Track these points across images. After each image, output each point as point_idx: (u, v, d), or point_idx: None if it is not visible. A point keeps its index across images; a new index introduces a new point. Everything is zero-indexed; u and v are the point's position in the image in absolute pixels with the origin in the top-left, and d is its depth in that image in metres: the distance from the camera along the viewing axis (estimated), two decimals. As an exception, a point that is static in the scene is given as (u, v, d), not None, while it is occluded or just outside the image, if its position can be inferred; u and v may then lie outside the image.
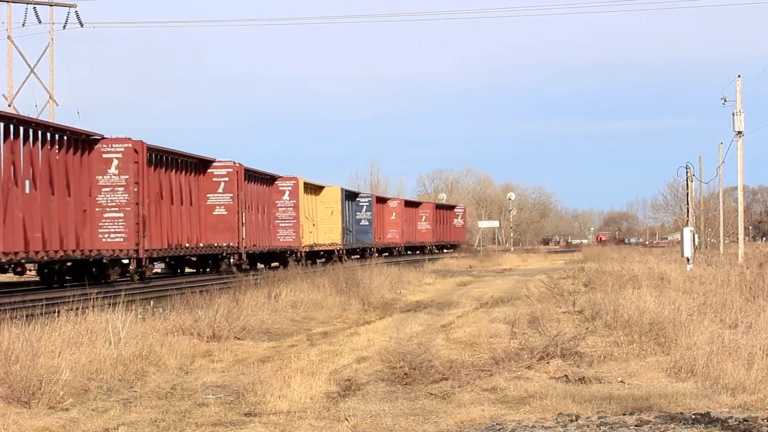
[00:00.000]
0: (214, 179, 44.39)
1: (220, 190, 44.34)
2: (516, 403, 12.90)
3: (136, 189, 34.99)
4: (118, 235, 34.62)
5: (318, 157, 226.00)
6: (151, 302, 23.17)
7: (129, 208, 34.76)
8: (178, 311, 21.61)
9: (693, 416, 11.51)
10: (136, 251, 35.21)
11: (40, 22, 62.33)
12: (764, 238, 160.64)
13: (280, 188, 54.80)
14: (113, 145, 34.80)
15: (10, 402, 12.73)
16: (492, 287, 38.12)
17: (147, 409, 12.82)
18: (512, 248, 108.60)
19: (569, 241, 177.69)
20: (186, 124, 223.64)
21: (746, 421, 11.20)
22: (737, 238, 56.82)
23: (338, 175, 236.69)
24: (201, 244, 42.77)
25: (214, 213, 44.28)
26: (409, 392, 14.06)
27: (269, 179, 53.58)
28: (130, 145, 35.04)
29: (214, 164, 44.47)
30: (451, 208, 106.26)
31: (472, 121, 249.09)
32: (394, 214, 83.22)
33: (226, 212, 44.37)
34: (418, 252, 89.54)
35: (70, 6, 63.36)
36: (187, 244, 41.10)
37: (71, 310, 18.17)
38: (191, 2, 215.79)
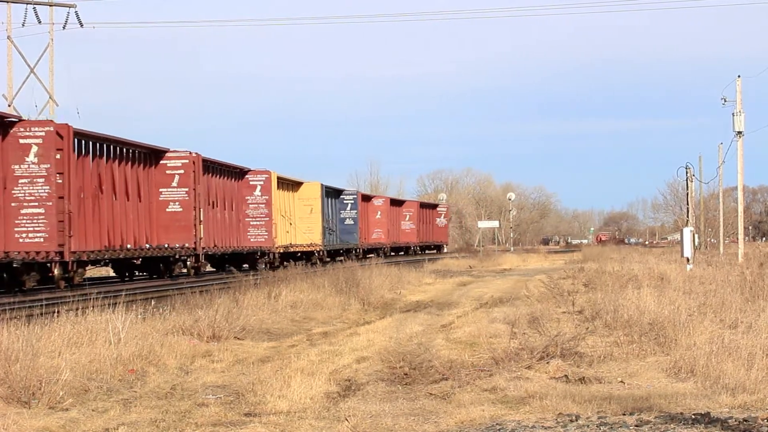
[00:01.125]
0: (167, 172, 39.31)
1: (174, 183, 39.33)
2: (516, 403, 12.89)
3: (60, 180, 29.96)
4: (38, 234, 29.56)
5: (318, 157, 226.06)
6: (152, 302, 23.16)
7: (50, 203, 29.69)
8: (178, 311, 21.61)
9: (693, 416, 11.50)
10: (60, 254, 29.74)
11: (40, 22, 62.41)
12: (764, 238, 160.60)
13: (251, 182, 49.81)
14: (32, 129, 30.08)
15: (10, 402, 12.73)
16: (492, 287, 38.11)
17: (147, 409, 12.82)
18: (512, 248, 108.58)
19: (569, 241, 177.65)
20: (185, 124, 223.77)
21: (746, 421, 11.20)
22: (737, 238, 56.81)
23: (338, 175, 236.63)
24: (146, 245, 37.39)
25: (167, 210, 39.27)
26: (409, 392, 14.06)
27: (238, 173, 48.93)
28: (51, 128, 30.23)
29: (168, 155, 39.45)
30: (434, 207, 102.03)
31: (472, 121, 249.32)
32: (379, 212, 78.81)
33: (180, 209, 39.28)
34: (402, 253, 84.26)
35: (70, 6, 63.40)
36: (129, 245, 35.62)
37: (71, 310, 18.17)
38: (191, 2, 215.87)
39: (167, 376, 15.47)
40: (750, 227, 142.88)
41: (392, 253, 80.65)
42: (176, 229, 39.23)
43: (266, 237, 50.13)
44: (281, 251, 52.96)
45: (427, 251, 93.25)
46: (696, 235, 57.84)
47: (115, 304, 18.85)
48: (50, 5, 63.10)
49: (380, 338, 19.90)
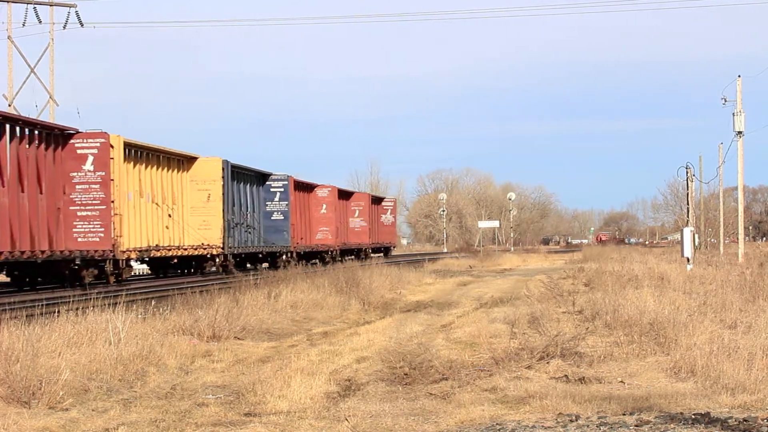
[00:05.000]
0: None
1: None
2: (516, 403, 12.89)
3: None
4: None
5: (318, 157, 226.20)
6: (152, 302, 23.17)
7: None
8: (178, 311, 21.60)
9: (693, 416, 11.50)
10: None
11: (40, 22, 62.46)
12: (764, 238, 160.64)
13: (79, 151, 33.25)
14: None
15: (10, 402, 12.73)
16: (492, 287, 38.09)
17: (147, 409, 12.82)
18: (512, 248, 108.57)
19: (569, 241, 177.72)
20: (185, 124, 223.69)
21: (746, 421, 11.20)
22: (737, 238, 56.82)
23: (338, 176, 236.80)
24: None
25: None
26: (409, 392, 14.05)
27: (58, 135, 33.02)
28: None
29: None
30: (379, 201, 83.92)
31: (472, 121, 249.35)
32: (325, 206, 62.51)
33: None
34: (352, 258, 66.89)
35: (70, 6, 63.42)
36: None
37: (71, 310, 18.18)
38: (191, 2, 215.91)
39: (167, 376, 15.47)
40: (750, 227, 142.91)
41: (340, 259, 63.81)
42: None
43: (102, 235, 33.35)
44: (134, 256, 37.17)
45: (372, 255, 76.37)
46: (696, 235, 57.85)
47: (116, 304, 18.86)
48: (50, 5, 63.12)
49: (380, 338, 19.90)
